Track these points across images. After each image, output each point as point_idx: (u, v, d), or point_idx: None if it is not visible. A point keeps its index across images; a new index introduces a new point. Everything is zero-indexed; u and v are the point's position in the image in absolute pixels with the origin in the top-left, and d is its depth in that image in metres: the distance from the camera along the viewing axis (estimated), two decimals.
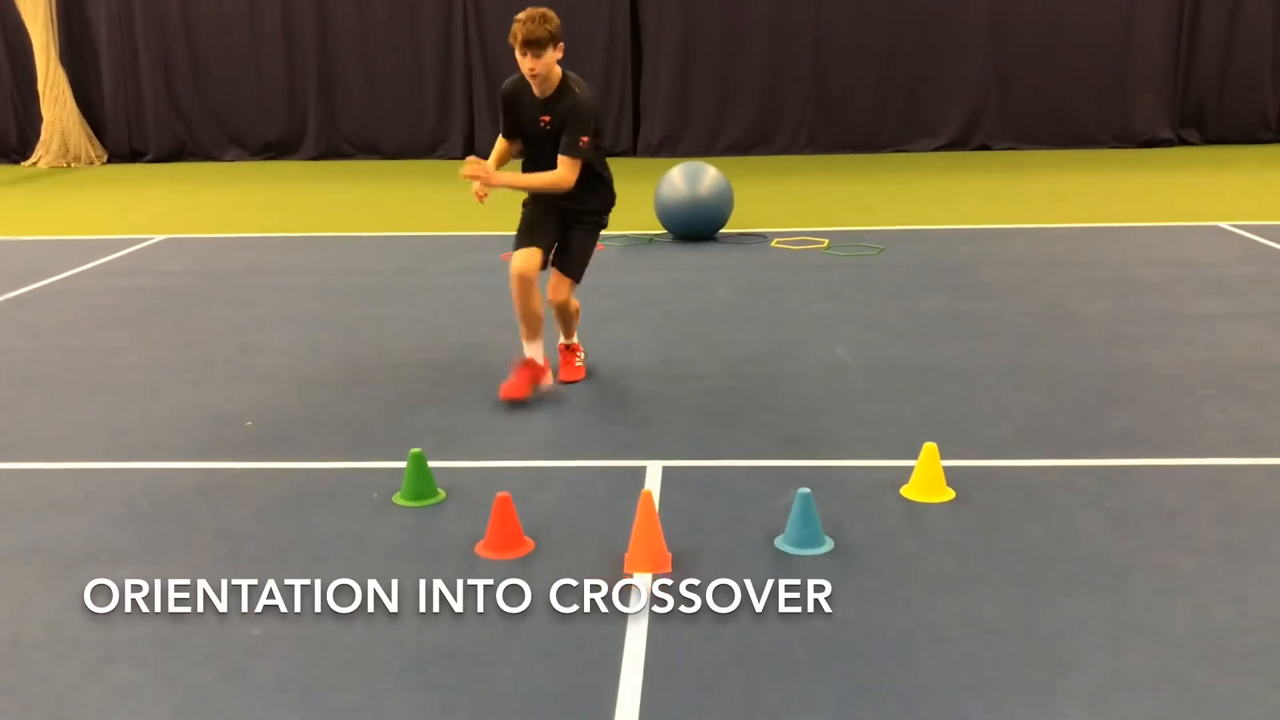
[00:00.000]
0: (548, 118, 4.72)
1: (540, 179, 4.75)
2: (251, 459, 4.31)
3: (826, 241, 8.31)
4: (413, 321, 6.36)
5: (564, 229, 4.94)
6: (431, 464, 3.90)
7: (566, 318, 5.11)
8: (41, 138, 14.76)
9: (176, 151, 14.91)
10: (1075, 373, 5.17)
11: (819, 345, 5.71)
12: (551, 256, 4.94)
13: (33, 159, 14.79)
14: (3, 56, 14.88)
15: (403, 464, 3.89)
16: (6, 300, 7.00)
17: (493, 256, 8.06)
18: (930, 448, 3.83)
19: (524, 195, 4.96)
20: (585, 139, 4.66)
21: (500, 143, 4.97)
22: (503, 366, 5.41)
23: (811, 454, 4.21)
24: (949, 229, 8.96)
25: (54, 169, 14.50)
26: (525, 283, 4.77)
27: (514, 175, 4.79)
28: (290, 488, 4.02)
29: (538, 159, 4.83)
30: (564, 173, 4.69)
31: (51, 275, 7.64)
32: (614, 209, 5.06)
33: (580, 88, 4.74)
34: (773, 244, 8.32)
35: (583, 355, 5.23)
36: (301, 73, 14.65)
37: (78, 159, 14.75)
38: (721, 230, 8.46)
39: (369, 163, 14.45)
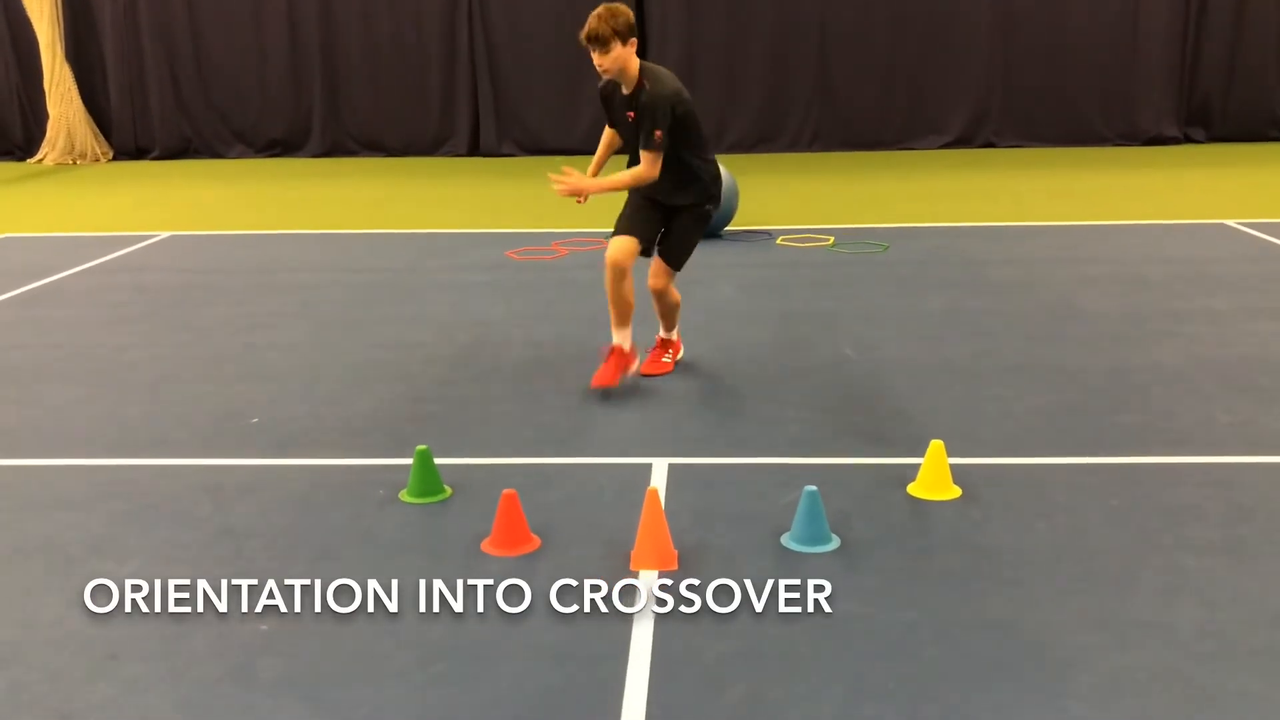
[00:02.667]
0: (633, 114, 4.71)
1: (626, 177, 4.73)
2: (258, 456, 4.31)
3: (832, 239, 8.31)
4: (418, 318, 6.36)
5: (667, 218, 4.94)
6: (438, 461, 3.90)
7: (666, 309, 5.09)
8: (47, 135, 14.80)
9: (182, 149, 14.94)
10: (1081, 370, 5.16)
11: (824, 343, 5.71)
12: (656, 243, 4.97)
13: (38, 156, 14.82)
14: (9, 53, 14.91)
15: (409, 461, 3.89)
16: (13, 297, 7.01)
17: (497, 253, 8.07)
18: (937, 445, 3.83)
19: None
20: (658, 133, 4.59)
21: (606, 132, 5.06)
22: (506, 365, 5.42)
23: (818, 451, 4.21)
24: (954, 226, 8.96)
25: (60, 166, 14.53)
26: (618, 271, 4.78)
27: (604, 180, 4.80)
28: (296, 484, 4.03)
29: (632, 152, 4.83)
30: (644, 168, 4.66)
31: (57, 272, 7.65)
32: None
33: (654, 81, 4.66)
34: (778, 241, 8.32)
35: (676, 354, 5.25)
36: (306, 70, 14.66)
37: (83, 156, 14.78)
38: (727, 228, 8.46)
39: (374, 160, 14.46)
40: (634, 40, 4.58)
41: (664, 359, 5.18)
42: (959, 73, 14.13)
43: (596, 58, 4.55)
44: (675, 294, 5.07)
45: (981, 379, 5.09)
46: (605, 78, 4.69)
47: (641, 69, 4.67)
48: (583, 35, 4.53)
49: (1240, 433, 4.38)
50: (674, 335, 5.25)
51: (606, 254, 4.83)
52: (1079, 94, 14.12)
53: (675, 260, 4.98)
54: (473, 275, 7.45)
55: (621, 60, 4.57)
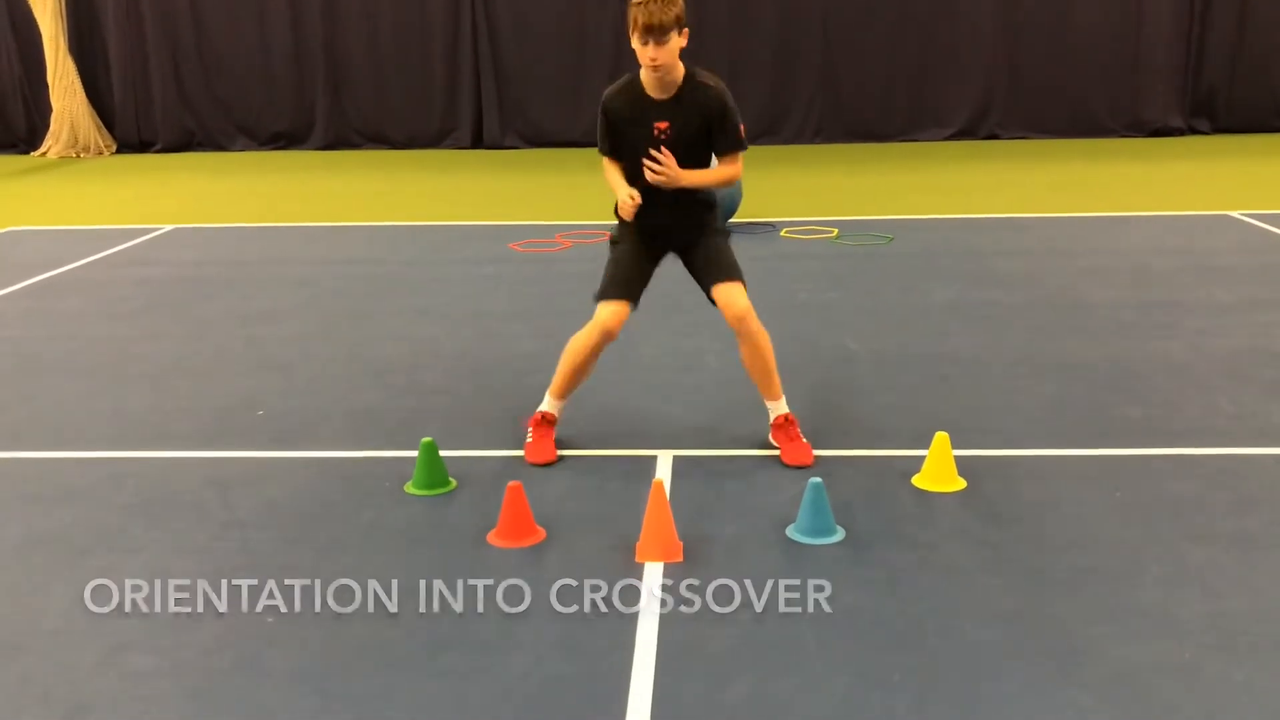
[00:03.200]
0: (665, 124, 3.91)
1: (723, 173, 4.05)
2: (263, 448, 4.32)
3: (836, 231, 8.30)
4: (422, 311, 6.37)
5: (670, 253, 4.22)
6: (443, 453, 3.91)
7: (761, 353, 4.07)
8: (51, 128, 14.80)
9: (185, 142, 14.94)
10: (1086, 362, 5.16)
11: (829, 335, 5.71)
12: (708, 290, 4.14)
13: (42, 149, 14.82)
14: (12, 47, 14.91)
15: (414, 453, 3.90)
16: (17, 290, 7.02)
17: (501, 245, 8.07)
18: (942, 437, 3.84)
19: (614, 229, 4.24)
20: (742, 127, 4.01)
21: (609, 165, 4.13)
22: (510, 357, 5.42)
23: (823, 443, 4.21)
24: (959, 218, 8.95)
25: (63, 159, 14.53)
26: (607, 338, 4.05)
27: (698, 173, 3.99)
28: (301, 477, 4.04)
29: (639, 171, 3.94)
30: (738, 169, 4.06)
31: (62, 265, 7.66)
32: None
33: (711, 78, 3.97)
34: (782, 233, 8.32)
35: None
36: (309, 62, 14.65)
37: (87, 149, 14.78)
38: (731, 220, 8.44)
39: (377, 152, 14.46)
40: (687, 30, 3.86)
41: (803, 437, 4.13)
42: (963, 64, 14.11)
43: (652, 50, 3.78)
44: (760, 325, 4.09)
45: (986, 371, 5.09)
46: (657, 73, 3.86)
47: (688, 68, 3.95)
48: (640, 25, 3.75)
49: (1245, 424, 4.38)
50: (783, 400, 4.17)
51: (597, 318, 4.03)
52: (1083, 85, 14.09)
53: (735, 271, 4.13)
54: (476, 268, 7.46)
55: (675, 53, 3.84)
